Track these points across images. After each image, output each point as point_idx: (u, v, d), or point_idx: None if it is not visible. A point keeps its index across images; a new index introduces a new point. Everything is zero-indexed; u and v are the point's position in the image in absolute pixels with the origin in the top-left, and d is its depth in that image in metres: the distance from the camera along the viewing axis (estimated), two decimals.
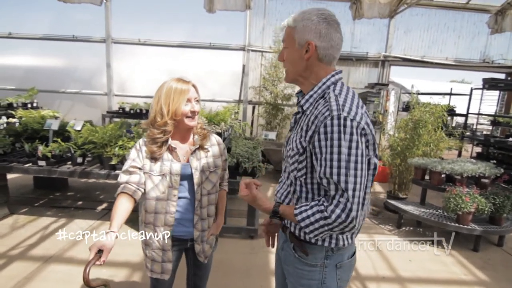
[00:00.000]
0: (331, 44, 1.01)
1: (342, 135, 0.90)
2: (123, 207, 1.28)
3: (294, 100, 6.65)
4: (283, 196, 1.16)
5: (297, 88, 1.17)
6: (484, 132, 7.05)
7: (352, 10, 6.53)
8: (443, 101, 4.64)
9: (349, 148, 0.90)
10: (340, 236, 1.06)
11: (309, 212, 0.98)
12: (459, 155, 6.42)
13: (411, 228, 3.80)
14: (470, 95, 6.03)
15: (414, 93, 5.25)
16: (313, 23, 0.99)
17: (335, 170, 0.91)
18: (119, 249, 2.84)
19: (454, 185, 3.50)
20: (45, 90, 6.75)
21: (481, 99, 6.21)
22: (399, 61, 6.89)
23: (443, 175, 3.69)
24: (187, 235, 1.44)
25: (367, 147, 0.96)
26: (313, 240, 1.05)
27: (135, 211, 3.80)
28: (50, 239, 3.01)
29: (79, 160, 3.33)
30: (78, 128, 3.63)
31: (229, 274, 2.63)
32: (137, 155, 1.37)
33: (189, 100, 1.34)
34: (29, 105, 5.87)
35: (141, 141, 1.40)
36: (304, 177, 1.04)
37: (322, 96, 1.03)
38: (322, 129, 0.93)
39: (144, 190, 1.36)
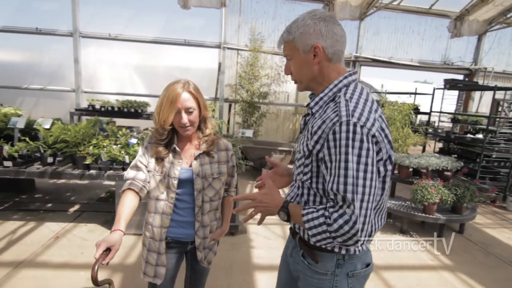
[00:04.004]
0: (335, 39, 0.97)
1: (351, 142, 0.85)
2: (129, 204, 1.24)
3: (271, 98, 6.74)
4: (292, 198, 1.12)
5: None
6: (445, 129, 7.60)
7: None
8: (409, 100, 4.96)
9: (359, 156, 0.85)
10: None
11: (315, 215, 0.93)
12: (423, 150, 6.87)
13: None
14: (433, 94, 6.47)
15: (383, 92, 5.53)
16: (310, 26, 0.96)
17: (341, 181, 0.85)
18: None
19: (421, 178, 3.77)
20: (5, 86, 6.29)
21: (442, 98, 6.68)
22: (369, 62, 7.23)
23: (410, 169, 3.96)
24: (187, 237, 1.39)
25: (377, 153, 0.90)
26: (318, 244, 0.97)
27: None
28: (20, 244, 2.85)
29: (50, 160, 3.17)
30: (47, 126, 3.44)
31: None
32: (143, 153, 1.35)
33: (179, 111, 1.24)
34: None
35: (148, 138, 1.38)
36: (309, 181, 1.01)
37: (333, 99, 0.98)
38: (331, 136, 0.88)
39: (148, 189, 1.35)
